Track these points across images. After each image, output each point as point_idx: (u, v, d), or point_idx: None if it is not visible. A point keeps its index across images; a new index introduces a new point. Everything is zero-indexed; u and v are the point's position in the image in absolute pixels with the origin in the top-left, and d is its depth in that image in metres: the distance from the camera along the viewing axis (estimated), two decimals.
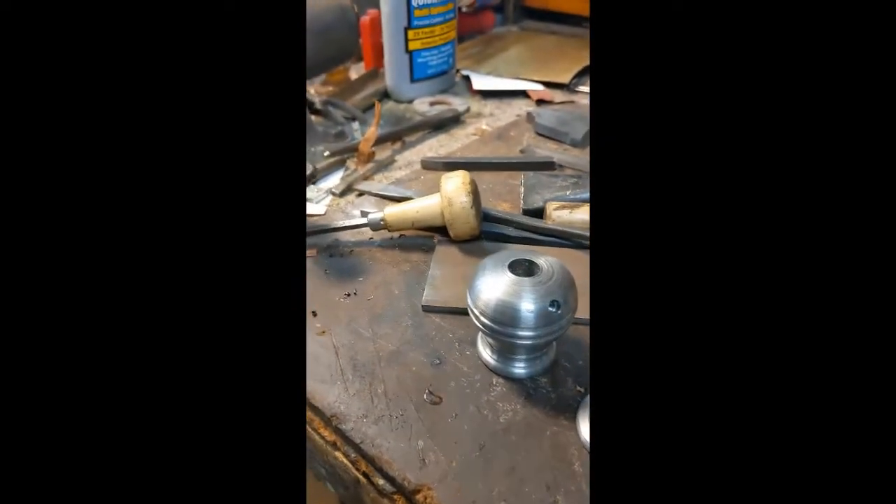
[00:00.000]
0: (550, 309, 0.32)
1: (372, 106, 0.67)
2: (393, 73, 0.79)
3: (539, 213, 0.50)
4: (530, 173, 0.55)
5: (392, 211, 0.48)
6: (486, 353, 0.37)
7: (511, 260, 0.35)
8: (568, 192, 0.50)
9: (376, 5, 0.76)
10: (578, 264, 0.44)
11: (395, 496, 0.30)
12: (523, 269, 0.35)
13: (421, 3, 0.74)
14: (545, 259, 0.35)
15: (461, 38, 1.04)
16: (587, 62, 0.89)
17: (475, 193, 0.46)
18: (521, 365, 0.36)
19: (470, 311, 0.35)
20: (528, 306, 0.32)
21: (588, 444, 0.31)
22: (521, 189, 0.53)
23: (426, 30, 0.76)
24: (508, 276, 0.34)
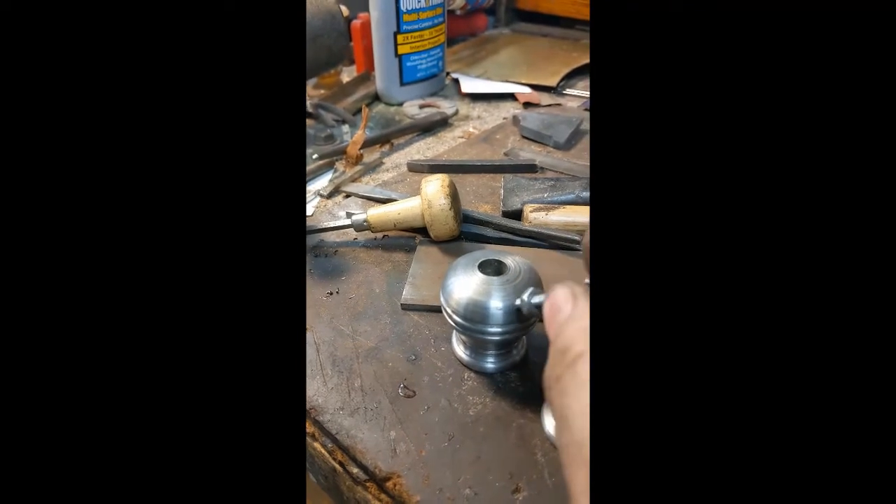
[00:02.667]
0: (517, 303, 0.34)
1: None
2: (383, 76, 0.81)
3: (518, 214, 0.52)
4: (510, 176, 0.57)
5: (375, 212, 0.49)
6: (460, 350, 0.39)
7: (481, 260, 0.37)
8: (545, 195, 0.52)
9: (368, 9, 0.78)
10: (552, 264, 0.46)
11: (368, 483, 0.32)
12: (493, 268, 0.37)
13: (410, 9, 0.76)
14: (513, 259, 0.37)
15: (453, 41, 1.06)
16: (576, 64, 0.90)
17: (454, 196, 0.48)
18: (492, 360, 0.38)
19: (443, 310, 0.37)
20: (496, 304, 0.34)
21: (551, 437, 0.33)
22: (502, 191, 0.55)
23: (415, 34, 0.78)
24: (478, 276, 0.36)
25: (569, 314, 0.25)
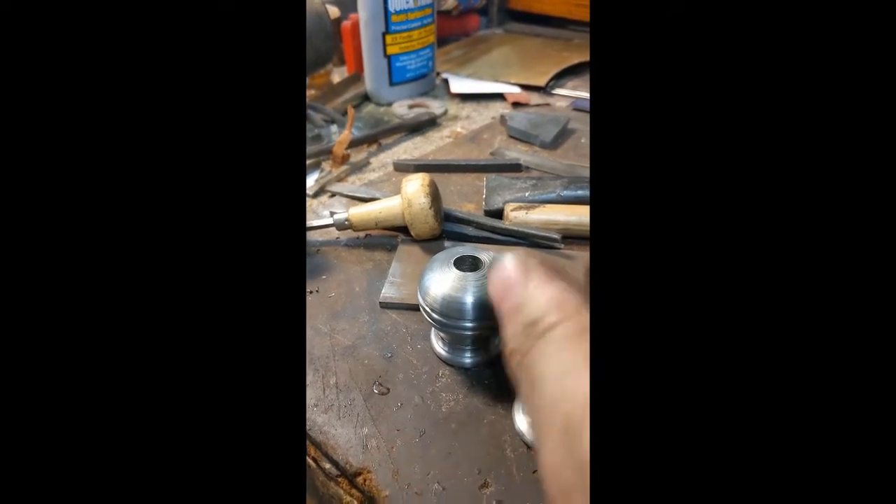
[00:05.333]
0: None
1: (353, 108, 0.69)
2: (372, 76, 0.81)
3: (499, 213, 0.52)
4: (493, 175, 0.57)
5: (356, 211, 0.50)
6: (438, 346, 0.39)
7: (456, 257, 0.37)
8: (527, 194, 0.52)
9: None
10: None
11: (339, 479, 0.33)
12: (468, 264, 0.37)
13: (398, 9, 0.76)
14: (488, 255, 0.37)
15: (446, 41, 1.06)
16: (566, 64, 0.91)
17: (435, 195, 0.48)
18: (469, 355, 0.38)
19: (420, 307, 0.37)
20: (472, 299, 0.35)
21: (521, 433, 0.33)
22: (484, 190, 0.55)
23: (404, 34, 0.79)
24: (454, 272, 0.36)
25: (527, 286, 0.24)
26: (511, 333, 0.24)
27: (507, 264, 0.26)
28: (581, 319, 0.22)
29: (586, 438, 0.18)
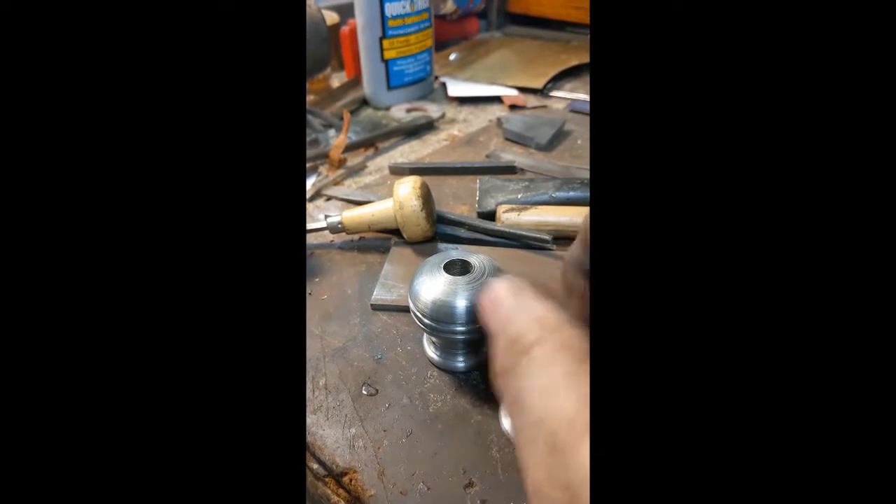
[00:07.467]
0: None
1: (350, 113, 0.70)
2: (370, 81, 0.81)
3: (492, 215, 0.52)
4: (486, 177, 0.57)
5: (349, 214, 0.50)
6: (430, 351, 0.40)
7: (447, 261, 0.37)
8: (519, 196, 0.53)
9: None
10: (521, 263, 0.47)
11: (327, 478, 0.33)
12: (458, 268, 0.38)
13: (395, 14, 0.77)
14: (478, 258, 0.37)
15: (446, 44, 1.07)
16: (563, 66, 0.91)
17: (426, 197, 0.48)
18: (462, 359, 0.38)
19: (411, 312, 0.37)
20: (462, 303, 0.35)
21: (507, 433, 0.33)
22: (477, 192, 0.55)
23: (401, 39, 0.79)
24: (444, 277, 0.36)
25: (513, 305, 0.24)
26: (496, 352, 0.24)
27: (497, 285, 0.26)
28: (562, 336, 0.22)
29: (572, 458, 0.17)
